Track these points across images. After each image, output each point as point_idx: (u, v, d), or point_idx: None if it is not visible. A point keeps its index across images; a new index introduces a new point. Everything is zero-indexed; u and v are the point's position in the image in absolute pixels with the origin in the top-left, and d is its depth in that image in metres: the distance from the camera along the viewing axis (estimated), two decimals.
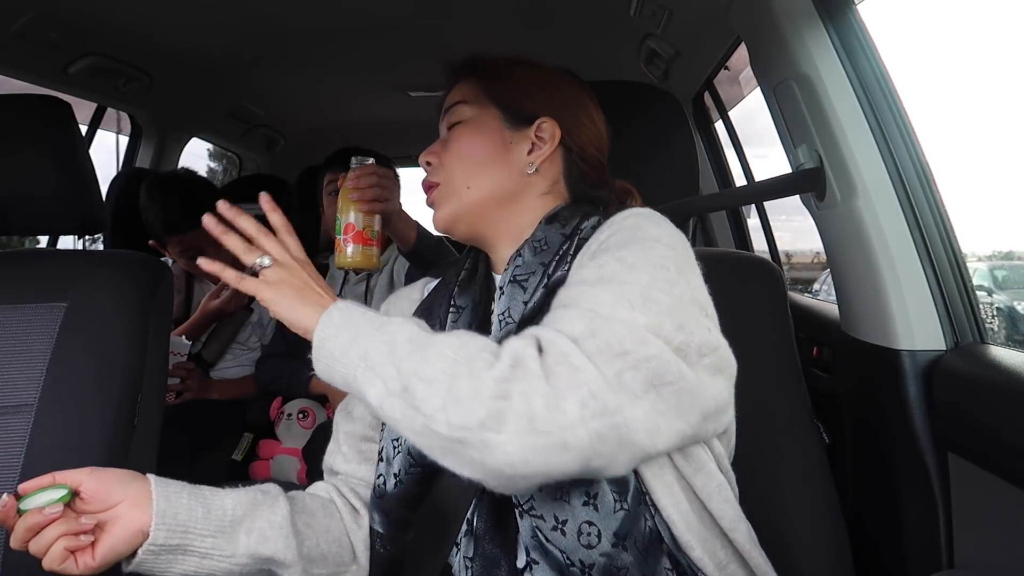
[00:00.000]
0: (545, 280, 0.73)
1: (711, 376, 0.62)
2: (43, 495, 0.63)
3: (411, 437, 0.59)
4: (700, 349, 0.62)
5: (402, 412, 0.58)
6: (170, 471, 1.29)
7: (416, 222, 1.36)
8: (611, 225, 0.72)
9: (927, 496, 0.98)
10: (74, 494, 0.65)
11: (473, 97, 0.84)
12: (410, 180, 1.70)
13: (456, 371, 0.57)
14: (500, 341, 0.67)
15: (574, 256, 0.74)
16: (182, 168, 1.91)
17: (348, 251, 1.09)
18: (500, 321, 0.73)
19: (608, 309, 0.60)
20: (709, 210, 2.17)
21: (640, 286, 0.62)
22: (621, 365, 0.57)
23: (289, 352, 1.69)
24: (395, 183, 1.21)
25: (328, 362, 0.63)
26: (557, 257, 0.75)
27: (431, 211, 0.85)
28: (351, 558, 0.78)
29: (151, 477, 0.68)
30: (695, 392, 0.60)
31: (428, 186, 0.85)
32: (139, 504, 0.66)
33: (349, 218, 1.09)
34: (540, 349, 0.58)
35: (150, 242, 1.75)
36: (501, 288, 0.76)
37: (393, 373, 0.58)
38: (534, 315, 0.72)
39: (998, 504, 0.88)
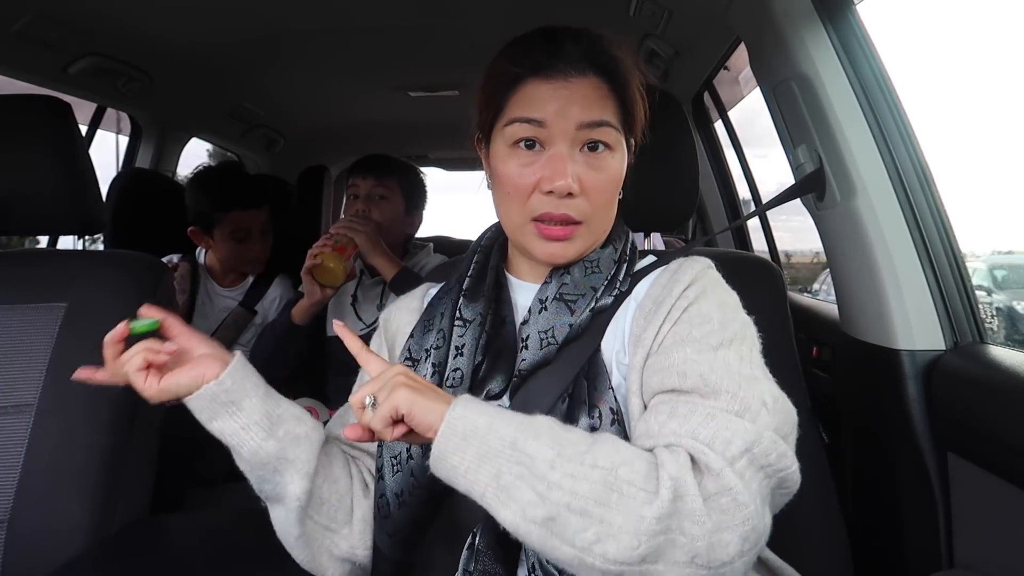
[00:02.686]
0: (593, 304, 0.74)
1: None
2: (145, 320, 0.74)
3: (556, 561, 0.58)
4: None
5: (545, 541, 0.56)
6: (170, 471, 1.30)
7: (402, 265, 1.60)
8: (694, 283, 0.73)
9: (927, 496, 0.98)
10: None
11: (619, 124, 0.75)
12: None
13: (608, 499, 0.56)
14: (537, 362, 0.71)
15: (624, 281, 0.77)
16: (228, 160, 1.96)
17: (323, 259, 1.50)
18: (542, 339, 0.73)
19: (740, 404, 0.62)
20: (716, 233, 2.19)
21: (750, 371, 0.66)
22: (761, 478, 0.60)
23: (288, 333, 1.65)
24: (360, 222, 1.57)
25: (449, 475, 0.60)
26: (607, 282, 0.76)
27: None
28: (346, 520, 0.77)
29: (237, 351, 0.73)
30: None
31: (567, 220, 0.73)
32: (218, 359, 0.71)
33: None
34: (694, 462, 0.59)
35: (190, 229, 1.74)
36: (543, 302, 0.75)
37: (533, 498, 0.56)
38: (578, 336, 0.73)
39: (998, 504, 0.88)
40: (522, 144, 0.73)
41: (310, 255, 1.50)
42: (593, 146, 0.73)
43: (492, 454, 0.58)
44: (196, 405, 0.69)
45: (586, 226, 0.74)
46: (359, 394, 0.62)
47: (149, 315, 0.73)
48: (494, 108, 0.76)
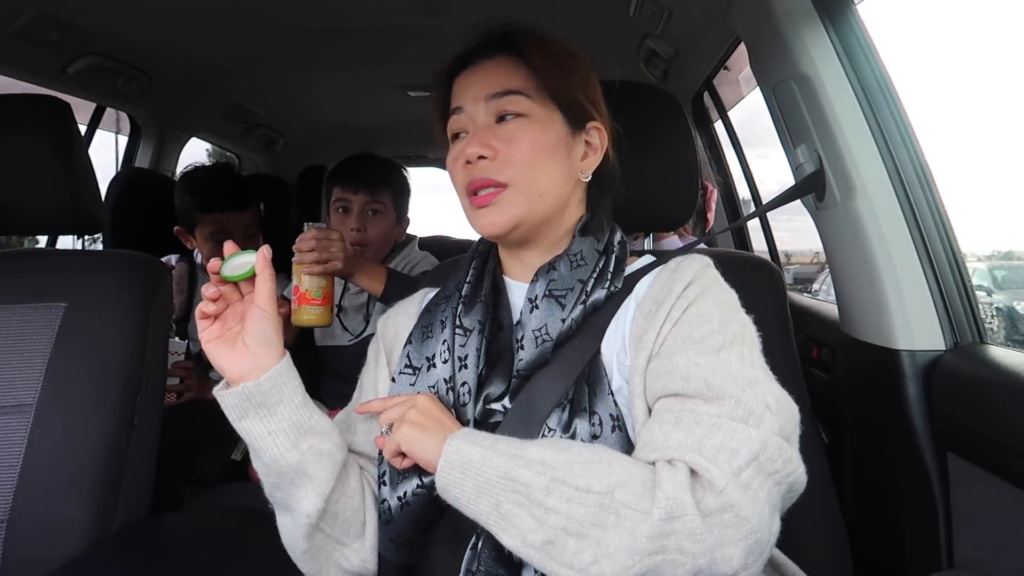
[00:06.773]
0: (583, 298, 0.74)
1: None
2: (239, 259, 0.70)
3: None
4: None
5: (545, 563, 0.59)
6: (169, 471, 1.29)
7: (386, 270, 1.39)
8: (694, 283, 0.73)
9: (926, 496, 0.98)
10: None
11: (532, 90, 0.77)
12: (417, 180, 1.76)
13: (604, 520, 0.57)
14: (534, 361, 0.72)
15: (614, 274, 0.76)
16: (219, 161, 1.97)
17: (300, 312, 1.19)
18: (536, 338, 0.73)
19: (744, 410, 0.62)
20: (716, 233, 2.19)
21: (754, 375, 0.66)
22: (770, 485, 0.59)
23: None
24: (336, 244, 1.24)
25: (455, 505, 0.64)
26: (595, 275, 0.75)
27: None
28: (358, 534, 0.77)
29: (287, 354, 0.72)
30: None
31: (487, 184, 0.74)
32: (268, 359, 0.70)
33: (296, 281, 1.19)
34: (697, 477, 0.59)
35: (176, 228, 1.74)
36: (532, 301, 0.75)
37: (532, 524, 0.59)
38: (571, 334, 0.73)
39: (997, 504, 0.88)
40: (460, 136, 0.80)
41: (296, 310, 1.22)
42: (501, 118, 0.77)
43: (489, 485, 0.61)
44: (228, 402, 0.69)
45: (514, 188, 0.75)
46: (383, 416, 0.72)
47: (246, 259, 0.70)
48: (441, 109, 0.83)
